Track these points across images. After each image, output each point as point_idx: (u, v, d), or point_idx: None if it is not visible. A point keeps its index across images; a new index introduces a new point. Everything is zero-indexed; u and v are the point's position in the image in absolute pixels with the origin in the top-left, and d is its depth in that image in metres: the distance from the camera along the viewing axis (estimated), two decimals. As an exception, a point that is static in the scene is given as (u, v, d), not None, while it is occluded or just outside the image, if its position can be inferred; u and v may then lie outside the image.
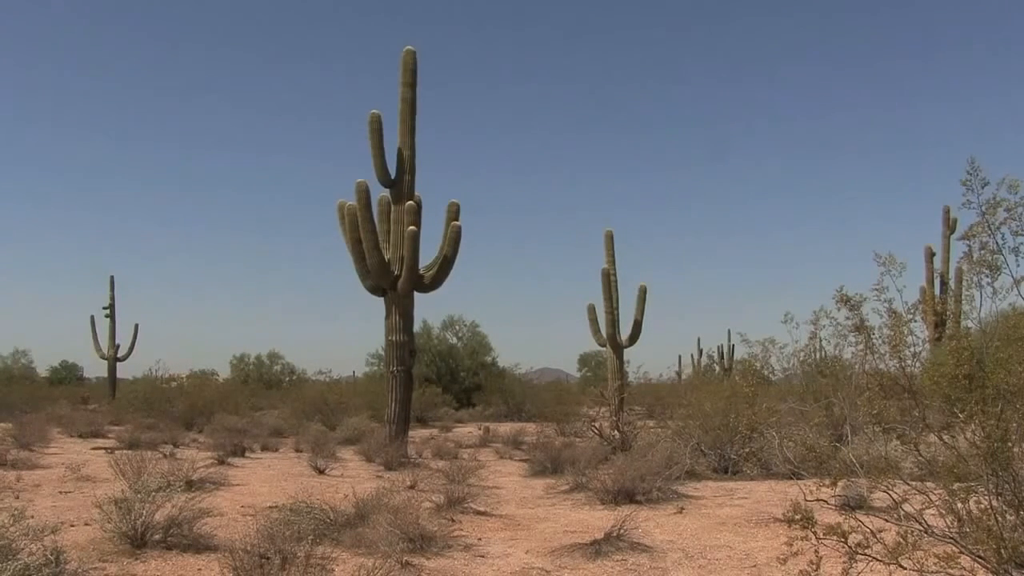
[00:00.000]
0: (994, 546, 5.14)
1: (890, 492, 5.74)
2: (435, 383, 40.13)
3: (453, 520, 10.35)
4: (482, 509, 11.51)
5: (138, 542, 8.48)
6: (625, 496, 12.14)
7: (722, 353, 59.29)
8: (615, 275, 29.30)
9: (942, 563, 5.14)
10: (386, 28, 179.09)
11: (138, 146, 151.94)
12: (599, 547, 8.87)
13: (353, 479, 14.98)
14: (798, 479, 7.74)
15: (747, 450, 15.53)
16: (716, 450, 15.92)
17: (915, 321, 6.08)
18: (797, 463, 8.26)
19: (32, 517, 8.86)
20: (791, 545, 5.38)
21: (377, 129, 19.17)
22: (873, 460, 6.34)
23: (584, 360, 64.64)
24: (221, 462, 17.19)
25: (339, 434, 23.44)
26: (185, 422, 27.97)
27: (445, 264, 19.50)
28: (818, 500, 5.91)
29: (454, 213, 19.99)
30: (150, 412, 30.03)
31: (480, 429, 28.20)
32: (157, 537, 8.59)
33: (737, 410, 14.84)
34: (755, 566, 8.18)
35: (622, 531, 9.12)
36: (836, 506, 6.41)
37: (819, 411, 14.64)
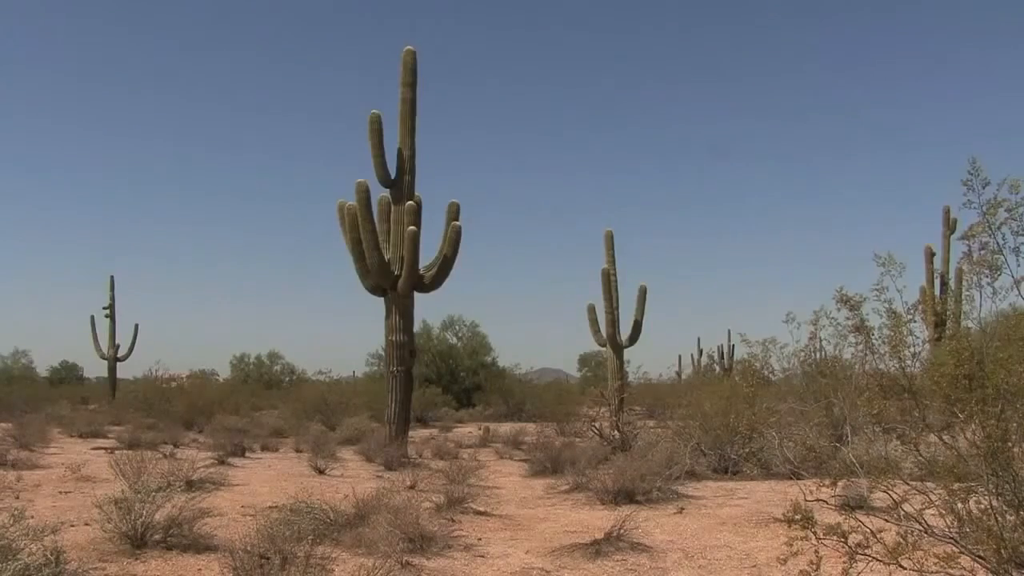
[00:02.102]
0: (994, 546, 5.14)
1: (890, 492, 5.74)
2: (435, 383, 40.15)
3: (453, 520, 10.35)
4: (482, 509, 11.52)
5: (138, 542, 8.48)
6: (625, 496, 12.15)
7: (722, 353, 59.28)
8: (615, 275, 29.30)
9: (942, 563, 5.14)
10: (386, 28, 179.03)
11: (138, 145, 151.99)
12: (599, 547, 8.87)
13: (353, 479, 14.98)
14: (798, 479, 7.75)
15: (747, 450, 15.53)
16: (716, 450, 15.92)
17: (914, 321, 6.09)
18: (797, 463, 8.26)
19: (32, 517, 8.87)
20: (791, 545, 5.38)
21: (377, 129, 19.18)
22: (873, 460, 6.34)
23: (584, 360, 64.67)
24: (221, 462, 17.19)
25: (339, 434, 23.45)
26: (185, 422, 27.98)
27: (445, 264, 19.50)
28: (818, 500, 5.91)
29: (454, 213, 19.99)
30: (150, 412, 30.04)
31: (480, 429, 28.21)
32: (157, 537, 8.59)
33: (737, 410, 14.86)
34: (755, 566, 8.18)
35: (622, 531, 9.12)
36: (836, 506, 6.41)
37: (819, 411, 14.64)
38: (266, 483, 14.50)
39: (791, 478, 10.13)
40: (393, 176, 19.42)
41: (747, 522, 10.48)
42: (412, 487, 13.25)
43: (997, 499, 5.31)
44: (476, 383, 43.99)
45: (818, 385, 15.10)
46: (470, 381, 44.31)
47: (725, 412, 15.54)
